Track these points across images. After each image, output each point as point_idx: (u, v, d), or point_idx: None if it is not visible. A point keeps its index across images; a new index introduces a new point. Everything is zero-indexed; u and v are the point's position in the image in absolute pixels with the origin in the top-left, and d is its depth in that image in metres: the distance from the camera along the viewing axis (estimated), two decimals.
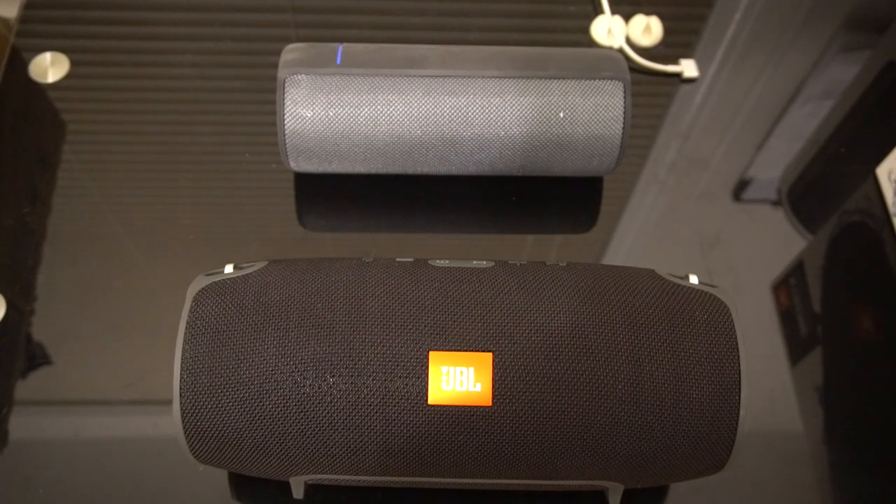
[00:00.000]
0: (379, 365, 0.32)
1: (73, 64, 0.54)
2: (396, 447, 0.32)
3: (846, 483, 0.40)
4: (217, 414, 0.32)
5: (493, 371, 0.32)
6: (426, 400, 0.32)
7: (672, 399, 0.32)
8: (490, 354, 0.32)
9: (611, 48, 0.56)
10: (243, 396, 0.32)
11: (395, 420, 0.32)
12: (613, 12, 0.57)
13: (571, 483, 0.35)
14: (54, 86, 0.53)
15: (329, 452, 0.33)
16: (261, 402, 0.32)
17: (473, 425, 0.32)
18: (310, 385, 0.32)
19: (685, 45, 0.58)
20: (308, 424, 0.32)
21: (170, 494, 0.39)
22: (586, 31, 0.57)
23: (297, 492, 0.36)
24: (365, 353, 0.32)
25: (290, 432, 0.32)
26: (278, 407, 0.32)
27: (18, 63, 0.54)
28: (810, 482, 0.40)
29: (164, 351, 0.38)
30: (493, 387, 0.32)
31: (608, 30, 0.57)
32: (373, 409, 0.32)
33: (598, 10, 0.58)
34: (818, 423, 0.42)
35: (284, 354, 0.32)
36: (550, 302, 0.33)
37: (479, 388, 0.32)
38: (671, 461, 0.33)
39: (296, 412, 0.32)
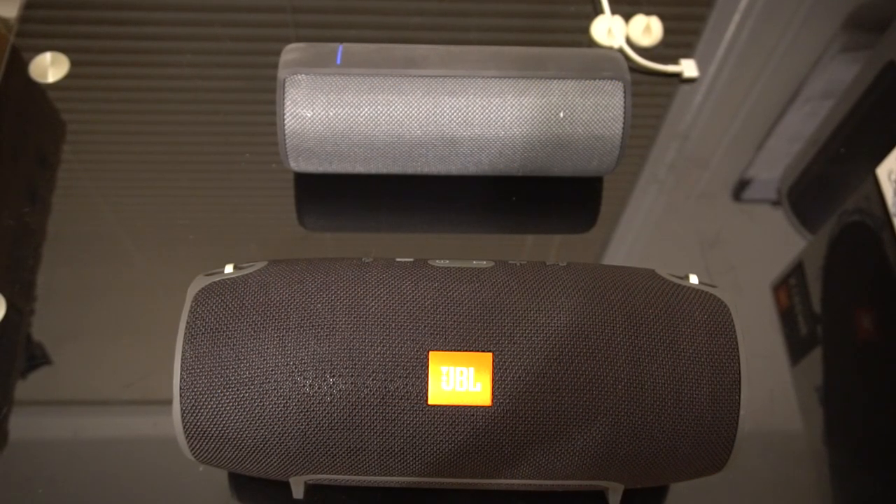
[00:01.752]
0: (379, 365, 0.32)
1: (73, 64, 0.54)
2: (396, 447, 0.32)
3: (846, 483, 0.40)
4: (217, 414, 0.32)
5: (493, 371, 0.32)
6: (426, 400, 0.32)
7: (672, 399, 0.32)
8: (490, 354, 0.32)
9: (611, 48, 0.56)
10: (243, 396, 0.32)
11: (395, 420, 0.32)
12: (613, 12, 0.57)
13: (571, 483, 0.35)
14: (54, 86, 0.53)
15: (329, 452, 0.33)
16: (261, 402, 0.32)
17: (473, 425, 0.32)
18: (310, 385, 0.32)
19: (685, 45, 0.58)
20: (308, 424, 0.32)
21: (170, 494, 0.39)
22: (586, 31, 0.57)
23: (297, 492, 0.36)
24: (365, 353, 0.32)
25: (290, 432, 0.32)
26: (278, 407, 0.32)
27: (18, 63, 0.54)
28: (810, 482, 0.40)
29: (164, 351, 0.38)
30: (493, 387, 0.32)
31: (608, 30, 0.57)
32: (373, 409, 0.32)
33: (598, 10, 0.58)
34: (818, 423, 0.42)
35: (284, 354, 0.32)
36: (550, 302, 0.33)
37: (479, 388, 0.32)
38: (671, 461, 0.33)
39: (296, 412, 0.32)
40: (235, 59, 0.56)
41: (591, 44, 0.57)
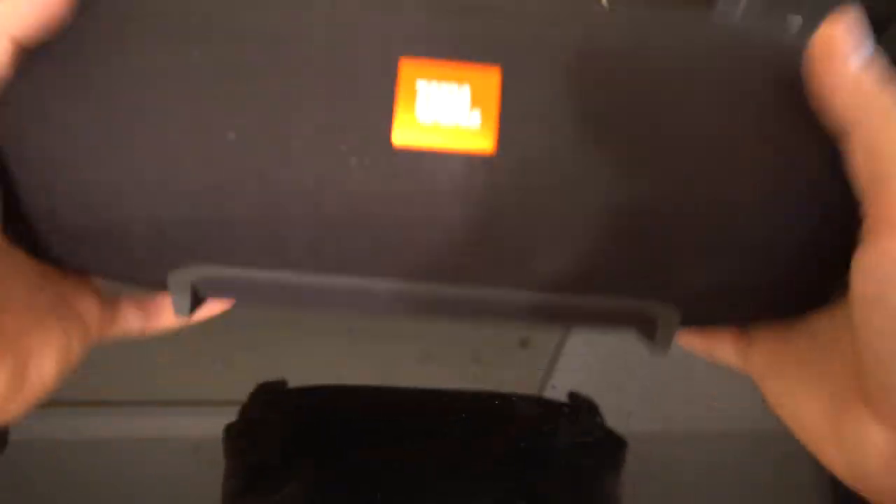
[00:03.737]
0: (313, 77, 0.20)
1: None
2: (332, 221, 0.20)
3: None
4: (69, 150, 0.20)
5: (500, 94, 0.20)
6: (388, 138, 0.20)
7: (771, 190, 0.20)
8: (497, 68, 0.20)
9: None
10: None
11: (333, 173, 0.20)
12: None
13: (606, 303, 0.22)
14: None
15: (231, 227, 0.21)
16: (130, 145, 0.20)
17: (466, 186, 0.20)
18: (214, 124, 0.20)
19: None
20: (201, 176, 0.20)
21: (170, 494, 0.39)
22: None
23: (182, 305, 0.24)
24: (293, 58, 0.20)
25: (176, 190, 0.20)
26: (161, 150, 0.20)
27: None
28: (810, 482, 0.40)
29: (165, 351, 0.38)
30: (499, 121, 0.20)
31: None
32: (300, 152, 0.19)
33: None
34: None
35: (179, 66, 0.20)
36: (589, 15, 0.21)
37: (476, 120, 0.20)
38: (756, 276, 0.21)
39: (189, 157, 0.20)
40: None
41: None
